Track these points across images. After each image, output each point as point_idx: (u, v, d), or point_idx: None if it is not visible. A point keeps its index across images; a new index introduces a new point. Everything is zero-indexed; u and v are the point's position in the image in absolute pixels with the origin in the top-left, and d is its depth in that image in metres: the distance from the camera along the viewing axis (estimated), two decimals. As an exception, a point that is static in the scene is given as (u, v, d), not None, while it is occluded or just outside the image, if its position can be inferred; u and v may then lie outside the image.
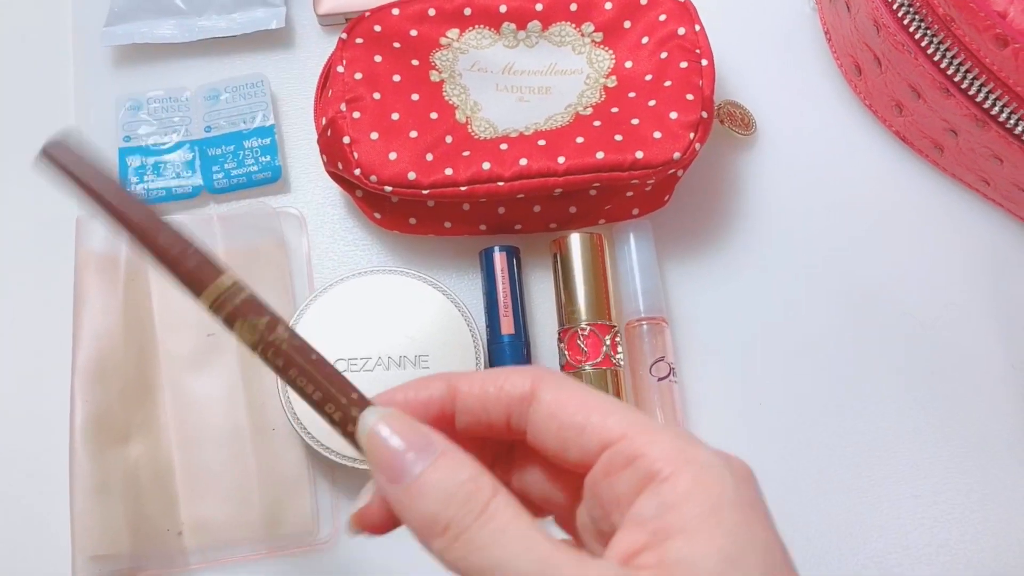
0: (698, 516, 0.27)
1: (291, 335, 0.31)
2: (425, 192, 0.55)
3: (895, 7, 0.55)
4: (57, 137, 0.30)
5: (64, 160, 0.30)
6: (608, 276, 0.58)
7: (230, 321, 0.31)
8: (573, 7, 0.61)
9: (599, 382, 0.55)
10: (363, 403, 0.31)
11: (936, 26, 0.53)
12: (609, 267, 0.58)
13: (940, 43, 0.54)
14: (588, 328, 0.56)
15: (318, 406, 0.31)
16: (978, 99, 0.54)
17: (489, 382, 0.32)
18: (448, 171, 0.55)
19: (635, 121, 0.56)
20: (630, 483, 0.29)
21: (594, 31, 0.61)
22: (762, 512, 0.29)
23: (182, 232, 0.30)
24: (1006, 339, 0.59)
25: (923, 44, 0.54)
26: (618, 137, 0.55)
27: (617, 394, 0.56)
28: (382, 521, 0.32)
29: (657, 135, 0.55)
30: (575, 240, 0.57)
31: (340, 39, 0.59)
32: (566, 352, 0.56)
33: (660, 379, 0.56)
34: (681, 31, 0.59)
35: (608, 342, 0.56)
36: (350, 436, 0.31)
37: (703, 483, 0.28)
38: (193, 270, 0.30)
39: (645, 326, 0.57)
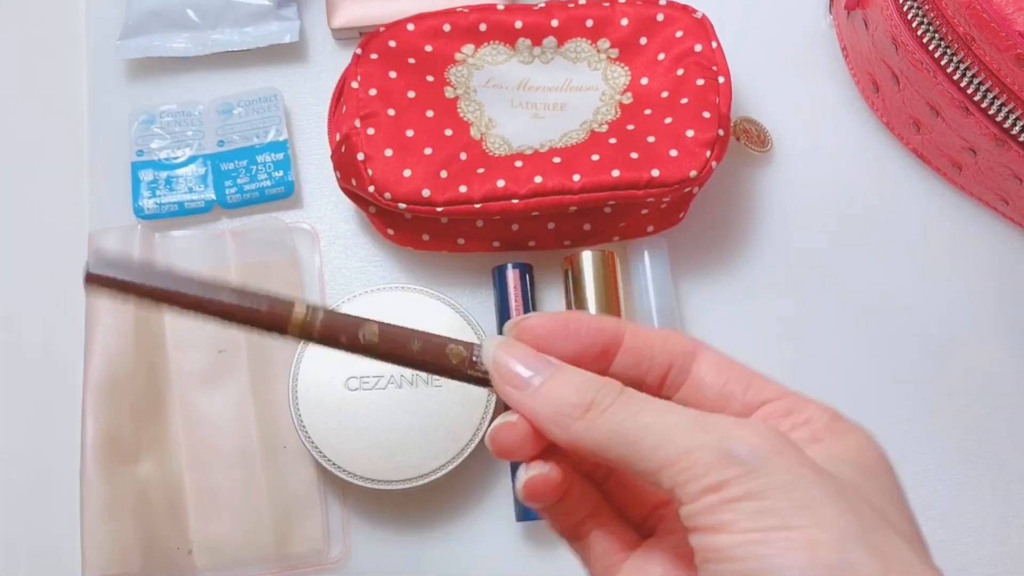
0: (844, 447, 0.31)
1: (380, 328, 0.33)
2: (439, 209, 0.54)
3: (914, 25, 0.54)
4: (92, 259, 0.31)
5: (109, 276, 0.31)
6: (620, 294, 0.57)
7: (324, 343, 0.33)
8: (589, 23, 0.60)
9: None
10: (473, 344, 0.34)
11: (956, 45, 0.53)
12: (621, 285, 0.58)
13: (960, 62, 0.53)
14: None
15: (432, 364, 0.33)
16: (998, 118, 0.53)
17: (656, 333, 0.34)
18: (462, 188, 0.54)
19: (651, 139, 0.56)
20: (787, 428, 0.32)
21: (610, 47, 0.60)
22: (894, 493, 0.31)
23: (239, 287, 0.32)
24: (1020, 357, 0.59)
25: (942, 62, 0.54)
26: (634, 155, 0.55)
27: None
28: (519, 442, 0.33)
29: (673, 153, 0.55)
30: (587, 257, 0.57)
31: (355, 54, 0.59)
32: None
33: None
34: (698, 48, 0.58)
35: None
36: (472, 372, 0.33)
37: (852, 435, 0.32)
38: (268, 316, 0.32)
39: None
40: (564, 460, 0.33)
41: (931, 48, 0.54)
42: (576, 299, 0.57)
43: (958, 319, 0.59)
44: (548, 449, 0.33)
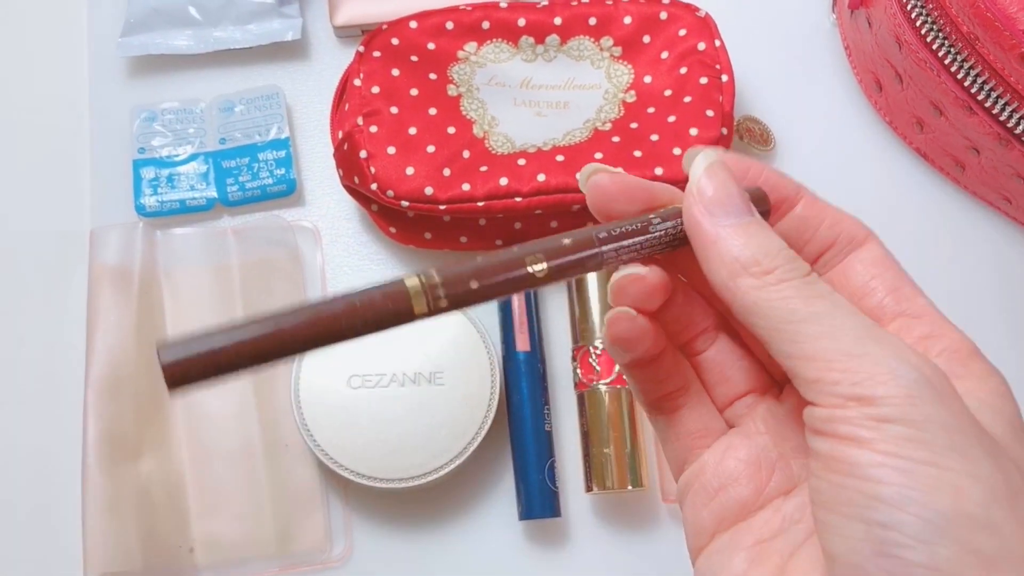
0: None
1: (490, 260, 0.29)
2: (442, 207, 0.54)
3: (918, 24, 0.54)
4: (160, 351, 0.25)
5: (190, 356, 0.25)
6: None
7: (461, 304, 0.28)
8: (592, 21, 0.60)
9: (612, 401, 0.54)
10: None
11: (960, 44, 0.53)
12: None
13: (963, 61, 0.53)
14: (601, 346, 0.55)
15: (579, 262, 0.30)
16: (1001, 118, 0.53)
17: (831, 210, 0.33)
18: (465, 186, 0.54)
19: (654, 137, 0.56)
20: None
21: (613, 45, 0.60)
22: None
23: (326, 297, 0.27)
24: (1021, 348, 0.59)
25: (946, 62, 0.54)
26: (637, 153, 0.55)
27: (631, 413, 0.55)
28: (645, 296, 0.32)
29: (677, 151, 0.55)
30: None
31: (357, 52, 0.59)
32: (579, 370, 0.55)
33: None
34: (701, 46, 0.58)
35: (597, 362, 0.55)
36: (668, 237, 0.31)
37: (991, 379, 0.31)
38: (387, 304, 0.27)
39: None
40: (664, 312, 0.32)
41: (935, 47, 0.54)
42: (579, 298, 0.56)
43: (961, 319, 0.58)
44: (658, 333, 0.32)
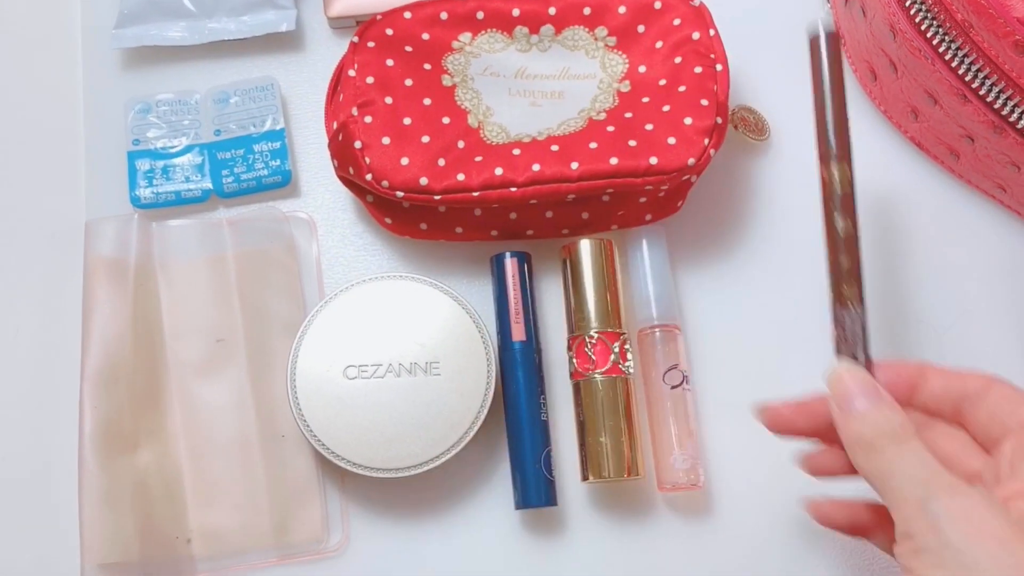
0: None
1: None
2: (437, 198, 0.54)
3: (912, 12, 0.54)
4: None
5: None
6: (619, 283, 0.57)
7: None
8: (586, 11, 0.60)
9: (608, 390, 0.54)
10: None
11: (954, 32, 0.52)
12: (620, 274, 0.57)
13: (958, 49, 0.53)
14: (596, 336, 0.55)
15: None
16: (996, 105, 0.53)
17: (954, 376, 0.44)
18: (460, 176, 0.54)
19: (649, 127, 0.55)
20: None
21: (607, 35, 0.60)
22: None
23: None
24: (1023, 344, 0.58)
25: (940, 50, 0.53)
26: (632, 143, 0.55)
27: (627, 403, 0.54)
28: (829, 467, 0.47)
29: (671, 141, 0.54)
30: (585, 246, 0.56)
31: (352, 42, 0.58)
32: (574, 360, 0.55)
33: (673, 387, 0.55)
34: (696, 36, 0.58)
35: (616, 350, 0.55)
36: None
37: None
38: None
39: (658, 333, 0.56)
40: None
41: (929, 35, 0.53)
42: (574, 288, 0.56)
43: (957, 307, 0.59)
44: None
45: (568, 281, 0.57)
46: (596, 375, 0.54)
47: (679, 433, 0.54)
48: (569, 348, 0.56)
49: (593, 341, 0.55)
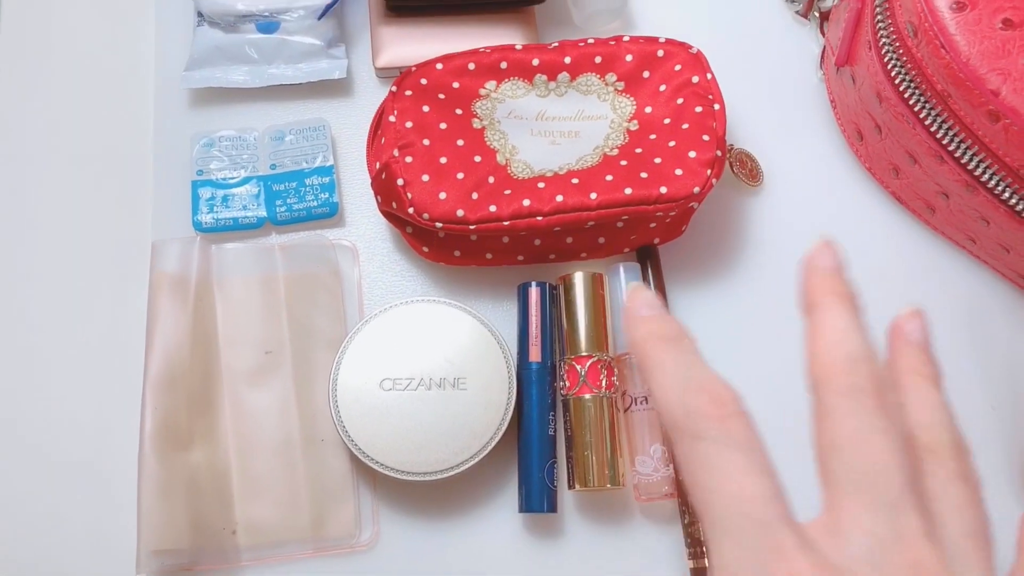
0: None
1: None
2: (472, 227, 0.56)
3: (897, 82, 0.56)
4: None
5: None
6: (607, 310, 0.59)
7: None
8: (598, 59, 0.62)
9: (596, 409, 0.56)
10: None
11: (934, 100, 0.54)
12: (609, 302, 0.59)
13: (937, 115, 0.54)
14: (585, 358, 0.57)
15: None
16: (969, 167, 0.55)
17: None
18: (492, 208, 0.56)
19: (657, 160, 0.57)
20: None
21: (616, 80, 0.62)
22: None
23: None
24: (985, 382, 0.60)
25: (921, 116, 0.55)
26: (643, 174, 0.57)
27: (611, 420, 0.56)
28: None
29: (678, 172, 0.57)
30: (578, 277, 0.58)
31: (391, 91, 0.60)
32: (566, 379, 0.57)
33: (649, 409, 0.57)
34: (695, 79, 0.60)
35: (583, 372, 0.56)
36: None
37: None
38: None
39: (633, 358, 0.57)
40: None
41: (911, 102, 0.55)
42: (567, 315, 0.58)
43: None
44: None
45: (562, 308, 0.58)
46: (585, 396, 0.56)
47: (631, 449, 0.56)
48: (561, 368, 0.57)
49: (582, 363, 0.56)
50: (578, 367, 0.57)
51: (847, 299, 0.33)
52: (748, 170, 0.64)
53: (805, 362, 0.32)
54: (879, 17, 0.56)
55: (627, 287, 0.37)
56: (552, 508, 0.56)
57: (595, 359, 0.57)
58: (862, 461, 0.29)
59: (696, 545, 0.55)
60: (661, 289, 0.60)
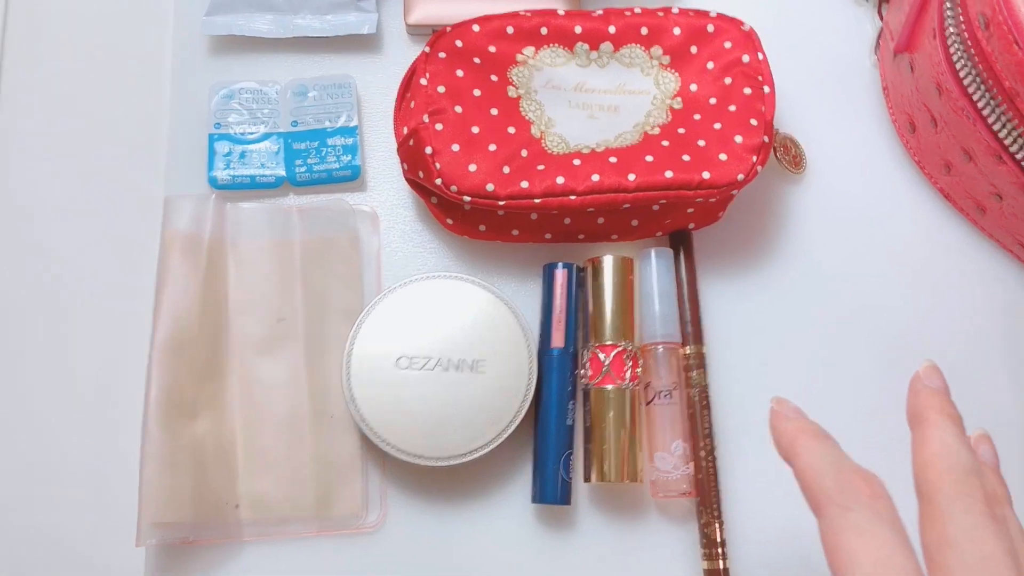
0: None
1: None
2: (501, 203, 0.53)
3: (961, 75, 0.53)
4: None
5: None
6: (635, 296, 0.56)
7: None
8: (644, 31, 0.59)
9: (617, 400, 0.53)
10: None
11: (1000, 97, 0.52)
12: (637, 287, 0.57)
13: (1002, 114, 0.52)
14: (611, 347, 0.54)
15: None
16: None
17: None
18: (524, 184, 0.53)
19: (701, 143, 0.55)
20: None
21: (662, 54, 0.59)
22: None
23: None
24: (1020, 389, 0.58)
25: (984, 112, 0.53)
26: (685, 157, 0.54)
27: (632, 414, 0.54)
28: None
29: (723, 157, 0.54)
30: (608, 261, 0.56)
31: (423, 52, 0.57)
32: (588, 367, 0.54)
33: (673, 403, 0.54)
34: (745, 59, 0.58)
35: (607, 362, 0.54)
36: None
37: None
38: None
39: (660, 349, 0.55)
40: None
41: (975, 98, 0.53)
42: (594, 300, 0.55)
43: (966, 355, 0.58)
44: None
45: (588, 293, 0.56)
46: (607, 386, 0.53)
47: (651, 444, 0.54)
48: (584, 355, 0.55)
49: (607, 352, 0.54)
50: (602, 356, 0.54)
51: (955, 418, 0.36)
52: (792, 156, 0.61)
53: (913, 469, 0.35)
54: (948, 4, 0.54)
55: (772, 400, 0.40)
56: (566, 500, 0.54)
57: (620, 348, 0.54)
58: (978, 553, 0.31)
59: (712, 546, 0.53)
60: (692, 276, 0.58)
